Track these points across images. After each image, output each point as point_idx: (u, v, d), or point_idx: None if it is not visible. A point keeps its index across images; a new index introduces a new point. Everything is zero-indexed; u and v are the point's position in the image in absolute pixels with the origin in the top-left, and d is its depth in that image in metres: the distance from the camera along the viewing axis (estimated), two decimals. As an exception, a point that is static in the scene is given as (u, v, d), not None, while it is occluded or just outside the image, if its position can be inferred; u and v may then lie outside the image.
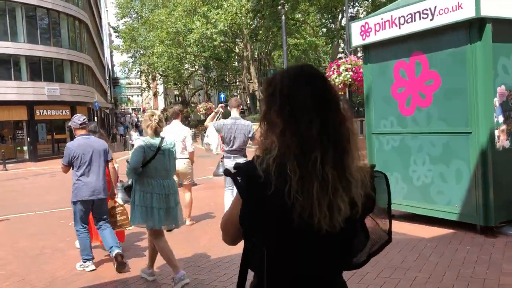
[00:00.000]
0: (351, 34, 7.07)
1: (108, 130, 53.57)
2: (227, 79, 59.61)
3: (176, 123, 7.43)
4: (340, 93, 13.53)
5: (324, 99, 1.33)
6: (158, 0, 49.40)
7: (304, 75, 1.37)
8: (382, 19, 6.51)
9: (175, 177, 7.35)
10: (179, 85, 56.79)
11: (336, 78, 12.24)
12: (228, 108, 7.06)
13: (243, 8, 23.88)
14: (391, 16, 6.36)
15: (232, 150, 6.63)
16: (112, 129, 34.97)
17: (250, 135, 6.76)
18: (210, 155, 7.88)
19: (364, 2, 33.21)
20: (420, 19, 5.95)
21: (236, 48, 42.23)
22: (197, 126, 52.35)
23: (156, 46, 39.35)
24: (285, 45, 17.95)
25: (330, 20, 35.74)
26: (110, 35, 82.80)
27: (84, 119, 5.45)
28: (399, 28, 6.26)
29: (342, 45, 37.54)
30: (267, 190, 1.28)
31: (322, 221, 1.28)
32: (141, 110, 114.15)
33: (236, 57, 44.18)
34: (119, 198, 5.91)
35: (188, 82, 57.03)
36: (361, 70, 12.34)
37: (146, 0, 52.87)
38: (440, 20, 5.72)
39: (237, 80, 57.47)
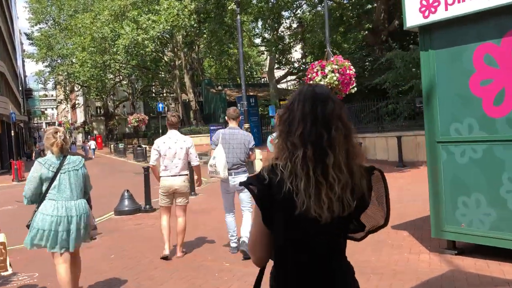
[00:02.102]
0: (404, 12, 5.36)
1: (23, 145, 48.47)
2: (154, 90, 56.61)
3: (174, 133, 6.21)
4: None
5: (316, 113, 1.61)
6: (78, 6, 45.84)
7: (313, 95, 1.66)
8: (458, -12, 4.86)
9: (173, 198, 6.24)
10: (103, 96, 52.92)
11: (320, 80, 10.55)
12: (226, 118, 6.31)
13: (186, 10, 21.67)
14: (475, -17, 4.72)
15: (232, 165, 5.91)
16: (36, 146, 30.82)
17: (250, 146, 6.09)
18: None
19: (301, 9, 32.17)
20: (527, -17, 4.36)
21: (165, 57, 39.78)
22: (122, 140, 48.96)
23: (77, 53, 36.01)
24: (241, 47, 16.06)
25: (268, 29, 34.42)
26: (21, 43, 76.44)
27: None
28: (489, -2, 4.63)
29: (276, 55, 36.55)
30: (273, 185, 1.60)
31: (313, 211, 1.55)
32: (57, 124, 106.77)
33: (164, 66, 41.73)
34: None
35: (112, 92, 53.33)
36: (348, 72, 10.81)
37: (64, 6, 48.96)
38: (562, -16, 4.16)
39: (165, 91, 54.73)
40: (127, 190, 10.44)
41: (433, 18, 5.09)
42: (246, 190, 5.87)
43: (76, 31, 36.64)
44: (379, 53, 21.53)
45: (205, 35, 27.05)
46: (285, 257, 1.66)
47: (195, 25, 23.83)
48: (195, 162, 6.21)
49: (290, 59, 37.96)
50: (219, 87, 38.96)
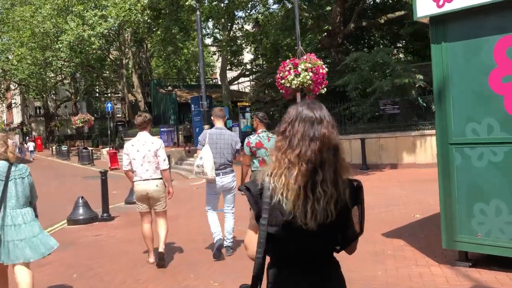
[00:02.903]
0: (414, 1, 4.87)
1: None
2: (98, 89, 54.31)
3: (143, 135, 5.80)
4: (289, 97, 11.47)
5: (313, 135, 1.77)
6: (15, -1, 43.08)
7: (312, 116, 1.80)
8: (479, -26, 4.42)
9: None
10: (43, 95, 50.04)
11: (293, 79, 10.02)
12: (212, 118, 6.21)
13: (139, 4, 20.55)
14: (499, -32, 4.30)
15: (219, 165, 5.83)
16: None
17: (237, 147, 6.05)
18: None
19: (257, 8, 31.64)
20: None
21: (111, 55, 38.10)
22: (65, 142, 46.45)
23: (15, 49, 33.73)
24: (201, 44, 15.27)
25: (220, 29, 33.64)
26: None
27: None
28: (515, -15, 4.22)
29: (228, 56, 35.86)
30: (265, 191, 1.78)
31: (299, 219, 1.73)
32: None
33: (109, 65, 39.90)
34: None
35: (54, 92, 50.55)
36: (321, 71, 10.36)
37: (-1, -1, 45.89)
38: None
39: (110, 91, 52.58)
40: (82, 197, 9.42)
41: (448, 7, 4.63)
42: (232, 192, 6.04)
43: (14, 24, 34.23)
44: (336, 56, 21.42)
45: (158, 32, 25.89)
46: (273, 255, 1.85)
47: (148, 20, 22.72)
48: (163, 165, 5.76)
49: (241, 60, 37.42)
50: (169, 88, 37.74)
